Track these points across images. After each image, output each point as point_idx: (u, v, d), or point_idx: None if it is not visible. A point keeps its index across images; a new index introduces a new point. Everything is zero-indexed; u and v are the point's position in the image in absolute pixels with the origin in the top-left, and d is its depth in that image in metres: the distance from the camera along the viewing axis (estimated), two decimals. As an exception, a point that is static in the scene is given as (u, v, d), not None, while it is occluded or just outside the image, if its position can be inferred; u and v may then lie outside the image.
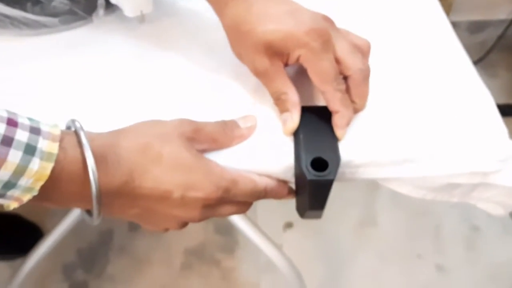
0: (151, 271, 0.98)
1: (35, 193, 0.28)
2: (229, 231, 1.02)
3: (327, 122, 0.38)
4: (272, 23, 0.36)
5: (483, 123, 0.40)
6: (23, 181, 0.27)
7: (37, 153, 0.27)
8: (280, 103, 0.38)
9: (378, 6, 0.50)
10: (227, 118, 0.38)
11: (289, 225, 1.04)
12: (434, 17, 0.50)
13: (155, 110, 0.40)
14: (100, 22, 0.48)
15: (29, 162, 0.27)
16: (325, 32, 0.36)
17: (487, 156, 0.38)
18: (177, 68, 0.44)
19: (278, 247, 0.76)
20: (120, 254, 1.00)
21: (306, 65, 0.37)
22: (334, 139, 0.37)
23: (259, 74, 0.38)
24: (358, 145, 0.38)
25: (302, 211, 0.39)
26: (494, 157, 0.38)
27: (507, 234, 1.01)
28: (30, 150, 0.27)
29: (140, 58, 0.45)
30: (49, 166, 0.28)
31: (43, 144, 0.28)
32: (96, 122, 0.37)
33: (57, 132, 0.29)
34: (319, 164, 0.35)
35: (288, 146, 0.37)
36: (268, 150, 0.38)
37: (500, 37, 1.28)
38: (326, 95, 0.37)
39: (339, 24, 0.39)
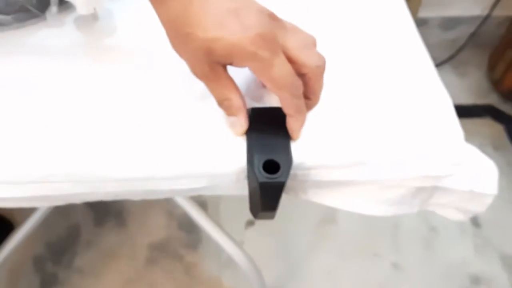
0: (117, 264, 1.01)
1: None
2: (192, 228, 1.04)
3: (280, 123, 0.38)
4: (214, 28, 0.33)
5: (439, 126, 0.40)
6: None
7: None
8: (224, 108, 0.38)
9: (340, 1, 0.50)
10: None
11: (250, 223, 1.06)
12: (397, 13, 0.49)
13: (107, 113, 0.40)
14: (54, 20, 0.48)
15: None
16: (272, 36, 0.33)
17: (440, 159, 0.38)
18: (133, 68, 0.44)
19: (239, 244, 0.78)
20: (88, 248, 1.03)
21: (257, 75, 0.35)
22: (287, 141, 0.38)
23: (199, 78, 0.37)
24: (310, 146, 0.38)
25: (255, 212, 0.40)
26: (447, 161, 0.38)
27: (463, 236, 1.04)
28: None
29: (93, 56, 0.45)
30: None
31: None
32: (45, 123, 0.38)
33: None
34: (271, 166, 0.35)
35: (241, 147, 0.38)
36: (221, 151, 0.38)
37: (472, 35, 1.24)
38: (283, 101, 0.36)
39: (292, 17, 0.38)
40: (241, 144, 0.38)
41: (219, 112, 0.40)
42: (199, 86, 0.39)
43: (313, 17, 0.47)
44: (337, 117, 0.40)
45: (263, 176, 0.35)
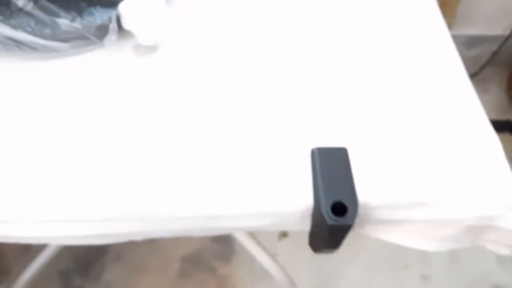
0: (148, 278, 1.01)
1: None
2: (225, 240, 1.04)
3: (344, 162, 0.39)
4: None
5: (490, 167, 0.42)
6: None
7: None
8: None
9: (378, 20, 0.52)
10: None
11: (284, 235, 1.07)
12: (439, 40, 0.51)
13: (172, 148, 0.41)
14: (112, 48, 0.49)
15: None
16: None
17: (492, 201, 0.40)
18: (194, 100, 0.45)
19: (273, 256, 0.79)
20: (117, 261, 1.03)
21: None
22: (352, 181, 0.39)
23: None
24: (373, 187, 0.39)
25: (317, 247, 0.42)
26: (499, 202, 0.41)
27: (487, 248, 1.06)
28: None
29: (152, 86, 0.46)
30: None
31: None
32: (110, 159, 0.39)
33: None
34: (338, 208, 0.37)
35: (307, 186, 0.39)
36: (287, 190, 0.39)
37: (494, 53, 1.28)
38: None
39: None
40: (307, 183, 0.39)
41: (286, 151, 0.41)
42: (266, 123, 0.40)
43: (355, 40, 0.49)
44: (397, 157, 0.42)
45: (332, 219, 0.36)
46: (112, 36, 0.49)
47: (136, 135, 0.43)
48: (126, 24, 0.48)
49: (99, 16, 0.49)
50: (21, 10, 0.48)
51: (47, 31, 0.47)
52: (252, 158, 0.41)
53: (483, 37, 1.31)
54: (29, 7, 0.47)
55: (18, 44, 0.47)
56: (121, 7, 0.48)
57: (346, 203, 0.37)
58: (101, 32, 0.49)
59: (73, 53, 0.48)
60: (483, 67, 1.29)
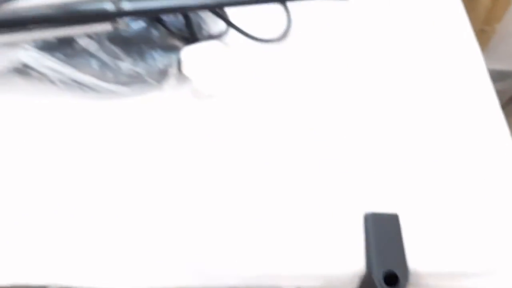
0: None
1: None
2: None
3: (396, 230, 0.40)
4: None
5: None
6: None
7: None
8: None
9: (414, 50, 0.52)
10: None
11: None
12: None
13: (232, 207, 0.42)
14: (170, 91, 0.49)
15: None
16: None
17: None
18: (244, 152, 0.45)
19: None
20: None
21: None
22: (403, 250, 0.40)
23: None
24: (422, 255, 0.40)
25: None
26: None
27: None
28: None
29: (207, 134, 0.46)
30: None
31: None
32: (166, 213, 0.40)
33: None
34: (390, 276, 0.37)
35: (359, 251, 0.40)
36: (341, 254, 0.40)
37: None
38: None
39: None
40: (359, 247, 0.40)
41: (339, 214, 0.42)
42: (321, 186, 0.41)
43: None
44: (447, 224, 0.43)
45: None
46: (171, 80, 0.49)
47: (197, 187, 0.43)
48: (186, 70, 0.48)
49: (160, 60, 0.49)
50: (84, 50, 0.48)
51: (109, 74, 0.47)
52: (307, 221, 0.42)
53: (509, 72, 1.32)
54: (93, 48, 0.48)
55: (80, 85, 0.47)
56: (184, 53, 0.48)
57: (398, 273, 0.38)
58: (161, 76, 0.49)
59: (131, 95, 0.49)
60: (507, 102, 1.29)
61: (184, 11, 0.51)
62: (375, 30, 0.57)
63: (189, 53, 0.48)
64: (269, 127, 0.47)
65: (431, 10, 0.59)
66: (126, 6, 0.46)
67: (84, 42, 0.48)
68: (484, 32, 1.12)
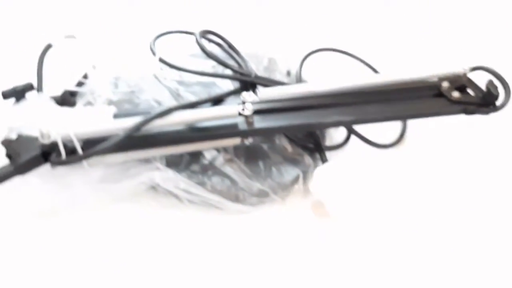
0: None
1: None
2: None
3: None
4: None
5: None
6: None
7: None
8: None
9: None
10: None
11: None
12: None
13: None
14: (293, 207, 0.47)
15: None
16: None
17: None
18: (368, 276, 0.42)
19: None
20: None
21: None
22: None
23: None
24: None
25: None
26: None
27: None
28: None
29: (329, 254, 0.44)
30: None
31: None
32: None
33: None
34: None
35: None
36: None
37: None
38: None
39: None
40: None
41: None
42: None
43: None
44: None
45: None
46: (296, 197, 0.47)
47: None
48: (317, 190, 0.46)
49: (287, 175, 0.47)
50: (213, 167, 0.46)
51: (239, 193, 0.45)
52: None
53: None
54: (220, 163, 0.46)
55: (207, 203, 0.45)
56: (317, 172, 0.46)
57: None
58: (286, 192, 0.47)
59: (253, 211, 0.46)
60: None
61: (316, 128, 0.48)
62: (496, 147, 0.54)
63: (321, 172, 0.45)
64: (393, 248, 0.44)
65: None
66: (259, 124, 0.44)
67: (211, 157, 0.46)
68: None
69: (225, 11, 0.72)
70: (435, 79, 0.48)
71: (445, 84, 0.48)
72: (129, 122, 0.40)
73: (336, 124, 0.47)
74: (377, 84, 0.48)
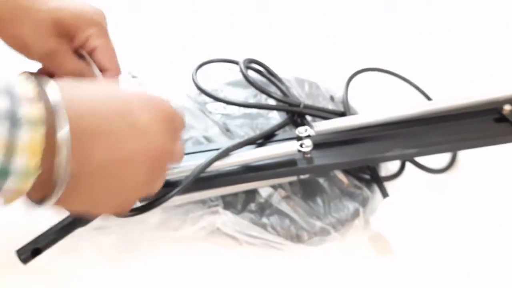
0: None
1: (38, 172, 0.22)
2: None
3: None
4: (56, 1, 0.35)
5: None
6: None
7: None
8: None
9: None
10: None
11: None
12: None
13: None
14: (352, 244, 0.45)
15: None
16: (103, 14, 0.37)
17: None
18: None
19: None
20: None
21: (99, 42, 0.36)
22: None
23: (40, 57, 0.35)
24: None
25: None
26: None
27: None
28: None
29: None
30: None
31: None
32: None
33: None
34: None
35: None
36: None
37: None
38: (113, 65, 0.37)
39: None
40: None
41: None
42: None
43: None
44: None
45: None
46: (355, 232, 0.45)
47: None
48: (380, 226, 0.44)
49: (347, 210, 0.45)
50: (271, 206, 0.44)
51: (299, 233, 0.43)
52: None
53: None
54: (281, 204, 0.44)
55: (267, 245, 0.43)
56: (381, 207, 0.44)
57: None
58: (346, 228, 0.45)
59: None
60: None
61: (378, 162, 0.46)
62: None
63: (385, 208, 0.43)
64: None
65: None
66: (318, 161, 0.42)
67: (267, 194, 0.44)
68: None
69: (258, 37, 0.70)
70: (496, 102, 0.46)
71: (507, 107, 0.46)
72: (188, 165, 0.38)
73: (399, 157, 0.45)
74: (435, 110, 0.45)
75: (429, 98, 0.56)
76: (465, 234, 0.46)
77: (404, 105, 0.46)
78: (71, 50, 0.36)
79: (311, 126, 0.43)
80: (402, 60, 0.63)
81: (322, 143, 0.44)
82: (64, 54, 0.35)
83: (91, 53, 0.36)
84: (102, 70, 0.37)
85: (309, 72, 0.60)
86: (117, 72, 0.38)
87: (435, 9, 0.78)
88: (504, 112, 0.46)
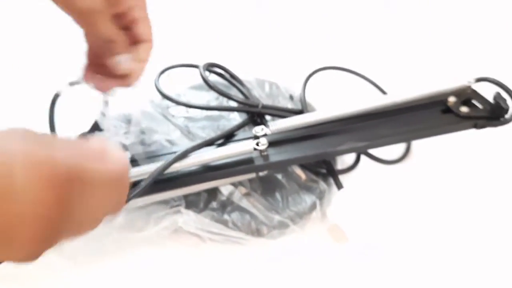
0: None
1: None
2: None
3: None
4: None
5: None
6: None
7: None
8: (113, 45, 0.37)
9: None
10: None
11: None
12: None
13: None
14: (311, 234, 0.47)
15: None
16: None
17: None
18: None
19: None
20: None
21: (142, 14, 0.37)
22: None
23: (86, 13, 0.34)
24: None
25: None
26: None
27: None
28: None
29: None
30: None
31: None
32: None
33: None
34: None
35: None
36: None
37: None
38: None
39: None
40: None
41: None
42: None
43: None
44: None
45: None
46: (313, 224, 0.47)
47: None
48: (335, 217, 0.46)
49: (304, 203, 0.47)
50: (232, 203, 0.46)
51: (259, 228, 0.45)
52: None
53: None
54: (242, 201, 0.46)
55: (229, 240, 0.45)
56: (335, 199, 0.46)
57: None
58: (304, 220, 0.47)
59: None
60: None
61: (331, 156, 0.49)
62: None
63: (340, 199, 0.45)
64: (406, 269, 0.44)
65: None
66: (274, 157, 0.44)
67: (228, 192, 0.46)
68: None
69: (218, 40, 0.72)
70: (441, 94, 0.49)
71: (451, 99, 0.48)
72: (148, 168, 0.40)
73: (351, 150, 0.47)
74: (386, 105, 0.48)
75: (384, 93, 0.59)
76: (414, 220, 0.48)
77: (357, 100, 0.48)
78: (110, 14, 0.35)
79: (267, 125, 0.45)
80: (358, 58, 0.65)
81: (278, 141, 0.46)
82: (103, 15, 0.35)
83: (131, 23, 0.37)
84: (139, 41, 0.38)
85: (270, 73, 0.62)
86: (153, 44, 0.39)
87: (386, 9, 0.81)
88: (449, 104, 0.49)
